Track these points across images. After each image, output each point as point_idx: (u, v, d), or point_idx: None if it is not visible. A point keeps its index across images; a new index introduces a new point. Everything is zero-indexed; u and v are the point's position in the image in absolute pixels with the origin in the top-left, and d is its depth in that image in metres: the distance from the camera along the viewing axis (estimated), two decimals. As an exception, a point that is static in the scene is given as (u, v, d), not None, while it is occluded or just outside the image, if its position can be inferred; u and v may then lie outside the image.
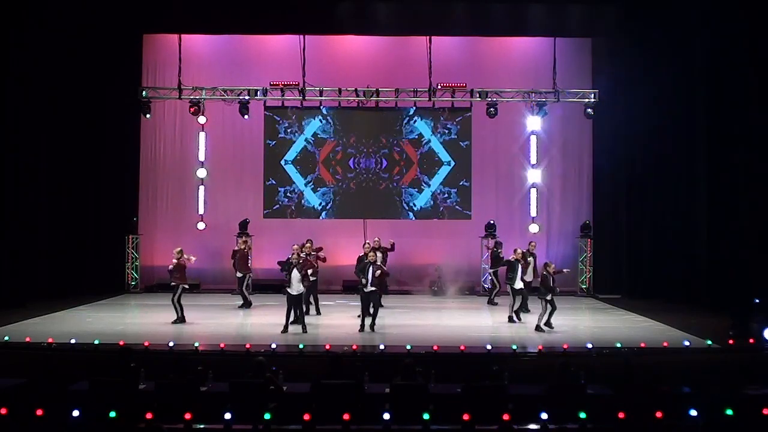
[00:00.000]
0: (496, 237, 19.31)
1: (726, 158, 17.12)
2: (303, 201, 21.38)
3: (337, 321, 15.59)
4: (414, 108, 21.15)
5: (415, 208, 21.38)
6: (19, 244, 17.19)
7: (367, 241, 16.73)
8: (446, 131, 21.42)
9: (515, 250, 15.75)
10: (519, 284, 15.36)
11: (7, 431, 7.89)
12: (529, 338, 13.77)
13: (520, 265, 15.39)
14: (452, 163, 21.37)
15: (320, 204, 21.36)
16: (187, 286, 15.09)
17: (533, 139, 21.12)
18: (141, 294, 19.68)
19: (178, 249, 15.25)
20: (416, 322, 14.94)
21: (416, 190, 21.37)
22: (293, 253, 14.76)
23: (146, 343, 11.98)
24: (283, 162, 21.37)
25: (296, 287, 14.00)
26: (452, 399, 8.81)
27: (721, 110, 17.24)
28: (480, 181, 21.39)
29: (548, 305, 14.26)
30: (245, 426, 7.78)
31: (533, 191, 21.21)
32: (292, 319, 14.05)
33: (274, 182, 21.34)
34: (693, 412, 7.91)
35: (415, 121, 21.39)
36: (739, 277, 16.22)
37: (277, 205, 21.34)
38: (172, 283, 14.96)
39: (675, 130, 18.89)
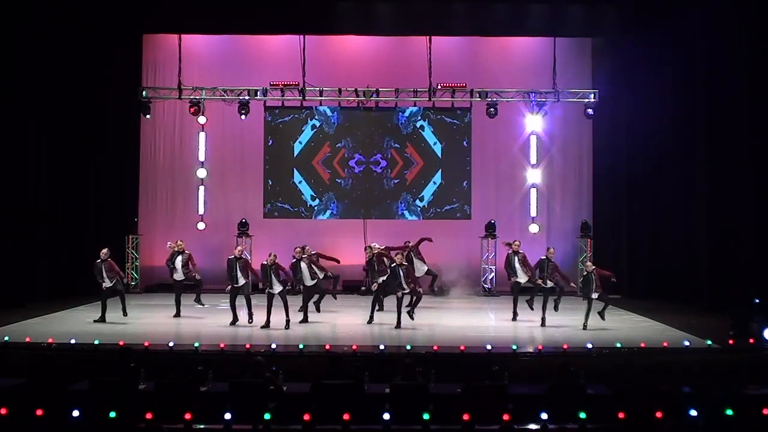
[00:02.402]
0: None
1: (726, 158, 17.10)
2: (303, 201, 21.38)
3: (337, 321, 15.60)
4: (414, 108, 21.17)
5: (415, 209, 21.38)
6: (19, 244, 17.18)
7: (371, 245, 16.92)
8: (446, 131, 21.42)
9: (548, 249, 15.64)
10: (548, 283, 15.08)
11: (7, 431, 7.89)
12: (529, 338, 13.79)
13: (549, 266, 15.09)
14: (452, 163, 21.37)
15: (320, 204, 21.37)
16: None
17: (533, 139, 21.13)
18: (141, 294, 19.66)
19: (106, 249, 15.34)
20: (416, 322, 14.91)
21: (416, 190, 21.38)
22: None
23: (146, 343, 11.96)
24: (282, 162, 21.37)
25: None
26: (452, 399, 8.80)
27: (721, 110, 17.23)
28: (480, 181, 21.40)
29: (590, 304, 14.37)
30: (245, 426, 7.77)
31: (533, 191, 21.21)
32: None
33: (273, 182, 21.35)
34: (693, 412, 7.90)
35: (415, 121, 21.39)
36: (739, 277, 16.22)
37: (277, 205, 21.35)
38: (111, 282, 14.96)
39: (675, 130, 18.87)
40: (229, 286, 14.78)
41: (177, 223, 21.18)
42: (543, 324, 14.74)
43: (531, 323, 15.08)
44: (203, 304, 15.92)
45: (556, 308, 15.16)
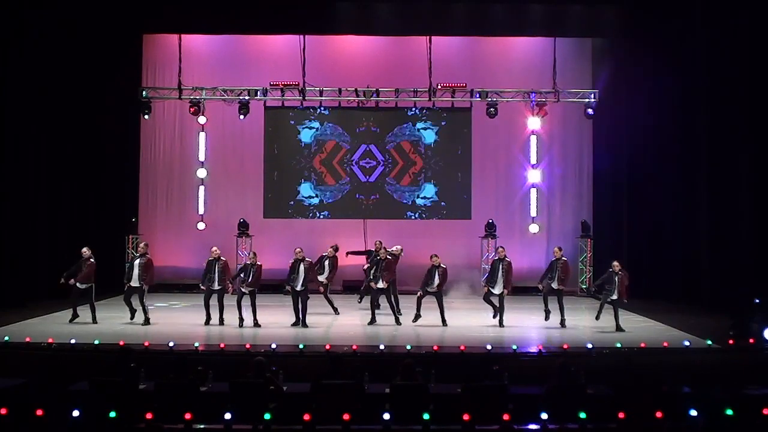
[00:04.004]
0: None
1: (726, 158, 17.11)
2: (303, 201, 21.38)
3: (337, 321, 15.60)
4: (414, 108, 21.17)
5: (415, 208, 21.38)
6: (19, 244, 17.18)
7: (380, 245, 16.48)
8: (446, 131, 21.42)
9: (556, 250, 15.30)
10: (555, 285, 14.82)
11: (7, 431, 7.89)
12: (529, 338, 13.79)
13: (558, 266, 14.85)
14: (452, 163, 21.37)
15: (320, 204, 21.37)
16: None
17: (533, 139, 21.13)
18: (141, 294, 19.63)
19: (87, 249, 15.14)
20: (417, 321, 14.91)
21: (416, 190, 21.38)
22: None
23: (146, 343, 11.96)
24: (283, 162, 21.38)
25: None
26: (452, 399, 8.80)
27: (721, 110, 17.23)
28: (480, 181, 21.40)
29: (605, 299, 14.41)
30: (245, 426, 7.78)
31: (533, 191, 21.22)
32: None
33: (274, 182, 21.34)
34: (693, 412, 7.91)
35: (415, 121, 21.39)
36: (739, 277, 16.22)
37: (277, 205, 21.34)
38: (84, 286, 14.83)
39: (675, 130, 18.88)
40: (204, 287, 14.74)
41: (177, 223, 21.19)
42: (563, 325, 14.61)
43: (530, 324, 15.08)
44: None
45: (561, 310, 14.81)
